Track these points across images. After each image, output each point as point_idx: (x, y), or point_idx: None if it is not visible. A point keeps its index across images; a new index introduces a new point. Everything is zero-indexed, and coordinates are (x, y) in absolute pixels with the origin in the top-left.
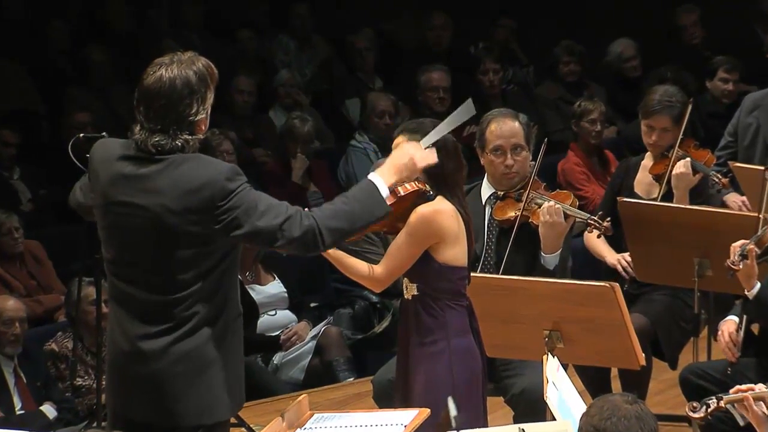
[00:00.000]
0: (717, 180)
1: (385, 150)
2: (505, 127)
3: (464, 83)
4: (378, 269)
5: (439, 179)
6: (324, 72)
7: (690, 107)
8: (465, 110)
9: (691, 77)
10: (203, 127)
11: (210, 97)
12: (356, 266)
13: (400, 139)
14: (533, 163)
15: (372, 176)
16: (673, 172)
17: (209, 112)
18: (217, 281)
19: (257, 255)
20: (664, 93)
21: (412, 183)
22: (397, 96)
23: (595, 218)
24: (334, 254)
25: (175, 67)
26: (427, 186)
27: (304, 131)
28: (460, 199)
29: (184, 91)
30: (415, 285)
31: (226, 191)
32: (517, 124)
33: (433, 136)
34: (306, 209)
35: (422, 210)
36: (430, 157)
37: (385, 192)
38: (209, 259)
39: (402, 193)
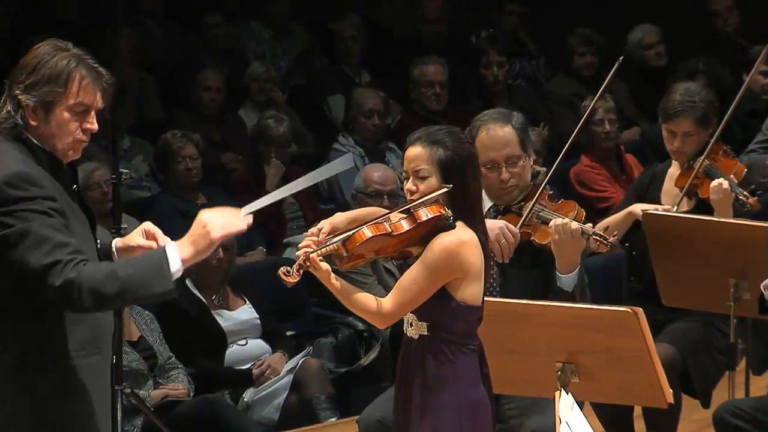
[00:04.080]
0: (744, 199)
1: (374, 154)
2: (496, 136)
3: (464, 78)
4: (386, 304)
5: (463, 203)
6: (303, 64)
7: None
8: (328, 170)
9: (726, 70)
10: (32, 122)
11: (44, 94)
12: (361, 300)
13: (414, 151)
14: (542, 168)
15: (169, 245)
16: (711, 198)
17: (45, 114)
18: None
19: (225, 275)
20: (686, 92)
21: (434, 206)
22: (388, 92)
23: (600, 233)
24: (336, 284)
25: (59, 50)
26: (448, 210)
27: (280, 133)
28: (483, 226)
29: (34, 60)
30: (425, 324)
31: (1, 198)
32: (509, 129)
33: (269, 199)
34: (82, 262)
35: (446, 241)
36: (235, 225)
37: (175, 265)
38: None
39: (423, 219)
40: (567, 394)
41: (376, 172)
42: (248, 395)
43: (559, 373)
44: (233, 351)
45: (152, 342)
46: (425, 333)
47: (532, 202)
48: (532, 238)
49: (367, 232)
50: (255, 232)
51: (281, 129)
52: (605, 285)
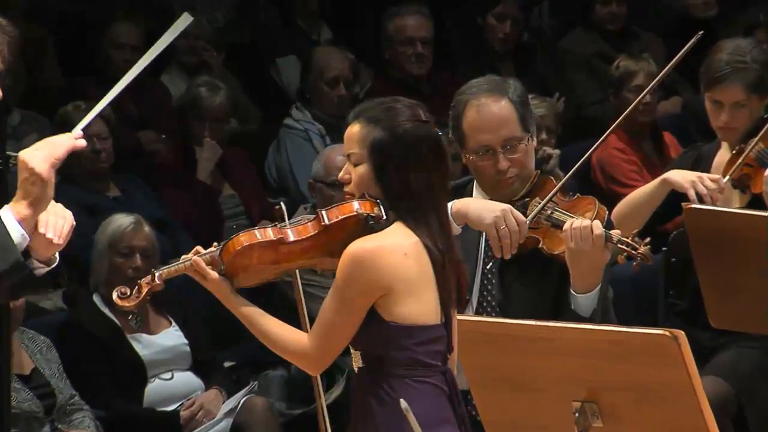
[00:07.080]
0: None
1: (337, 133)
2: (488, 114)
3: (456, 33)
4: (308, 343)
5: (400, 199)
6: (245, 17)
7: None
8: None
9: None
10: None
11: None
12: (278, 335)
13: (352, 130)
14: (555, 151)
15: (2, 210)
16: (764, 190)
17: None
18: None
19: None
20: (734, 51)
21: (352, 203)
22: (355, 53)
23: (628, 240)
24: (236, 306)
25: None
26: (379, 208)
27: (215, 105)
28: (434, 227)
29: None
30: (359, 353)
31: None
32: (505, 103)
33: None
34: None
35: (354, 249)
36: (61, 146)
37: (16, 231)
38: None
39: (327, 222)
40: None
41: (340, 155)
42: None
43: (577, 414)
44: (155, 387)
45: (49, 376)
46: (361, 365)
47: (545, 199)
48: (540, 246)
49: (243, 239)
50: (183, 234)
51: (217, 100)
52: (637, 301)
